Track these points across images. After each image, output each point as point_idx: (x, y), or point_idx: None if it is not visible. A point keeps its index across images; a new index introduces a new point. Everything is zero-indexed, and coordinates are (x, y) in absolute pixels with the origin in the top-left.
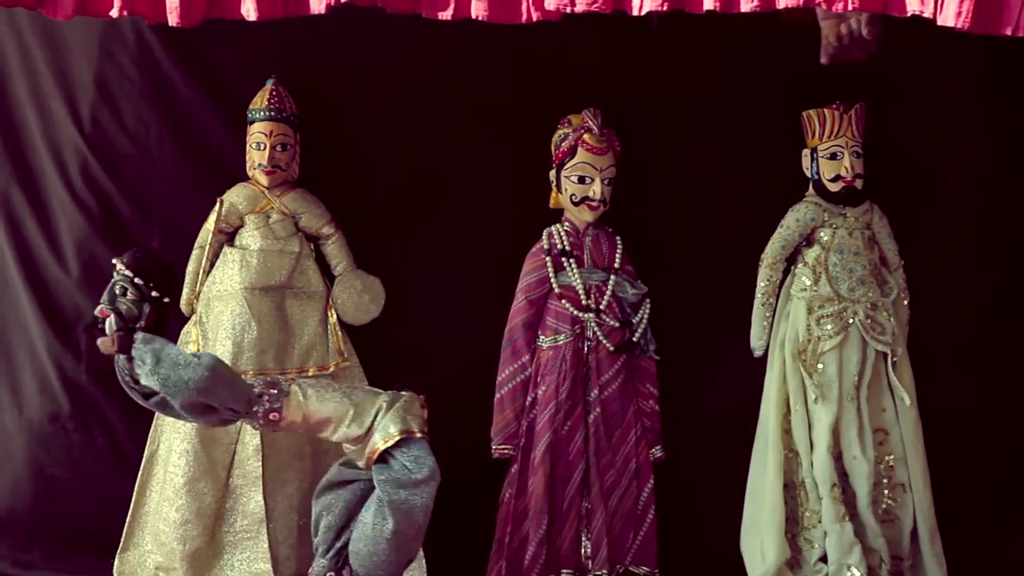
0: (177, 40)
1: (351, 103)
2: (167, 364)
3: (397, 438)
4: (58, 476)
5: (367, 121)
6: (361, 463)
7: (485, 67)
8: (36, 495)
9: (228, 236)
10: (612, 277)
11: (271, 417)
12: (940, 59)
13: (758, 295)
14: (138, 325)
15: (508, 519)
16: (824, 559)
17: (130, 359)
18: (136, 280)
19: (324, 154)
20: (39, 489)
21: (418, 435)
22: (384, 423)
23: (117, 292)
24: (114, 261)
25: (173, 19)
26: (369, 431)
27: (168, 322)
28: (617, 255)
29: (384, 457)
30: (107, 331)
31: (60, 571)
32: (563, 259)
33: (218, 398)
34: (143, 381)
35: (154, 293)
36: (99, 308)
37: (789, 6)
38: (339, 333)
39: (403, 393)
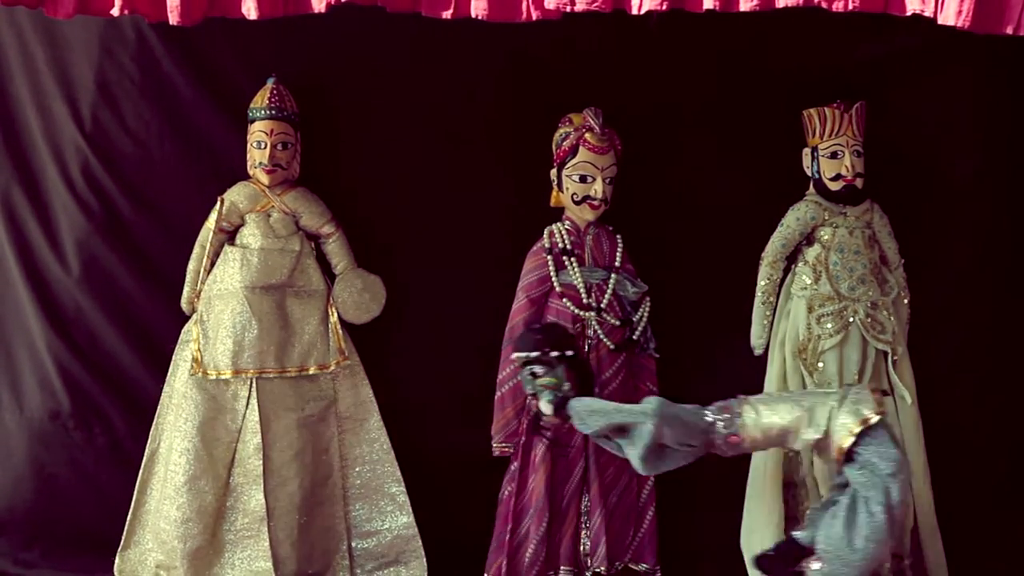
0: (178, 39)
1: (351, 102)
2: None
3: (858, 431)
4: (58, 474)
5: (368, 120)
6: (832, 467)
7: (485, 66)
8: (36, 493)
9: (229, 235)
10: (613, 276)
11: (731, 440)
12: (941, 58)
13: (758, 294)
14: (566, 388)
15: (508, 517)
16: None
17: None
18: (532, 358)
19: (325, 153)
20: (39, 487)
21: (874, 420)
22: (840, 421)
23: (530, 377)
24: (516, 356)
25: (174, 18)
26: (828, 432)
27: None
28: (618, 254)
29: (851, 455)
30: (545, 413)
31: (61, 569)
32: (564, 258)
33: (674, 437)
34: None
35: (554, 354)
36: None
37: (789, 5)
38: (340, 332)
39: (851, 386)
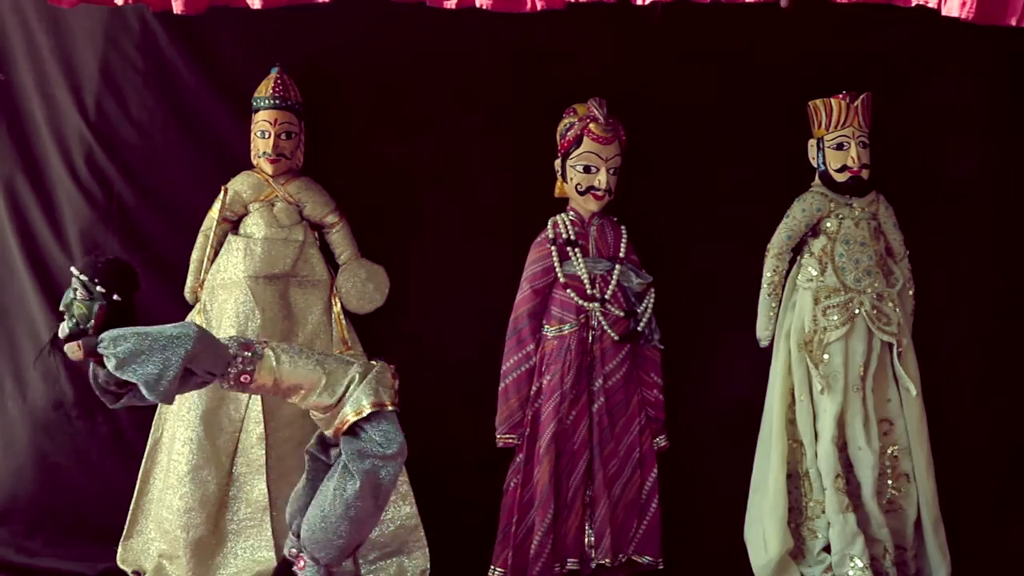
0: (181, 28)
1: (355, 91)
2: (156, 346)
3: (369, 411)
4: (61, 463)
5: (371, 110)
6: (329, 432)
7: (489, 56)
8: (39, 482)
9: (232, 224)
10: (617, 266)
11: (242, 380)
12: (947, 49)
13: (764, 285)
14: (88, 325)
15: (514, 508)
16: (828, 549)
17: (99, 361)
18: (83, 279)
19: (329, 142)
20: (42, 476)
21: (389, 408)
22: (356, 395)
23: (71, 294)
24: (72, 270)
25: (177, 7)
26: (340, 401)
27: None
28: (622, 244)
29: (353, 429)
30: (59, 335)
31: (63, 558)
32: (568, 248)
33: (203, 364)
34: (121, 375)
35: (100, 289)
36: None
37: None
38: (343, 322)
39: (374, 363)
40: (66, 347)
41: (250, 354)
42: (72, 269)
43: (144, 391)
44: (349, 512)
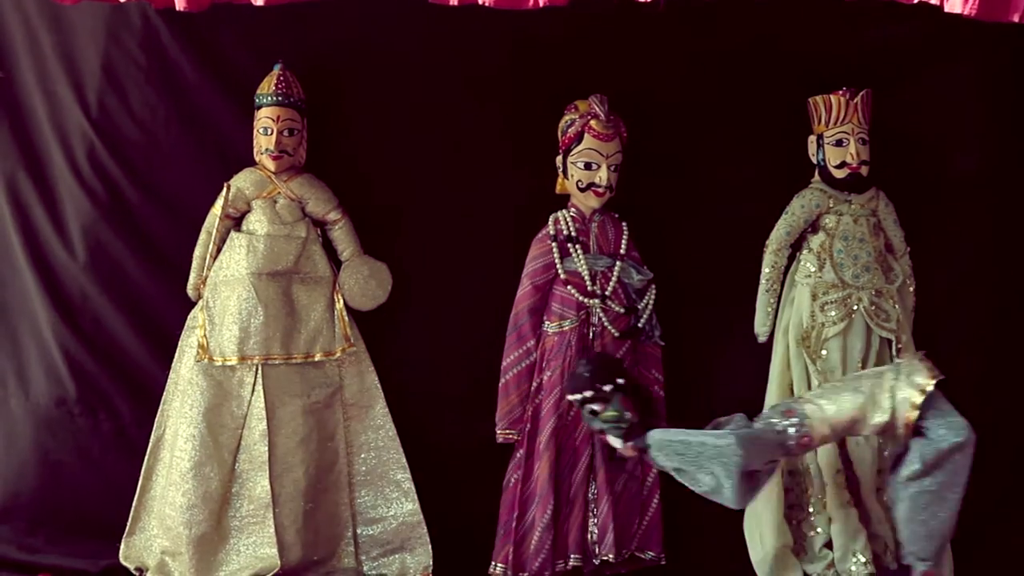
0: (184, 25)
1: (358, 88)
2: (699, 458)
3: (920, 401)
4: (64, 461)
5: (374, 106)
6: (899, 447)
7: (491, 53)
8: (42, 480)
9: (235, 221)
10: (618, 263)
11: (803, 443)
12: (948, 45)
13: (763, 281)
14: (628, 417)
15: (514, 504)
16: (829, 545)
17: (644, 449)
18: (587, 396)
19: (331, 139)
20: (45, 474)
21: (930, 388)
22: (902, 397)
23: (591, 416)
24: (571, 399)
25: (180, 3)
26: (893, 411)
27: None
28: (623, 241)
29: (919, 430)
30: (619, 449)
31: (66, 555)
32: (569, 245)
33: (760, 459)
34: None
35: (606, 388)
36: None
37: None
38: (346, 318)
39: (899, 360)
40: (620, 452)
41: (797, 419)
42: (569, 399)
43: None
44: (928, 506)
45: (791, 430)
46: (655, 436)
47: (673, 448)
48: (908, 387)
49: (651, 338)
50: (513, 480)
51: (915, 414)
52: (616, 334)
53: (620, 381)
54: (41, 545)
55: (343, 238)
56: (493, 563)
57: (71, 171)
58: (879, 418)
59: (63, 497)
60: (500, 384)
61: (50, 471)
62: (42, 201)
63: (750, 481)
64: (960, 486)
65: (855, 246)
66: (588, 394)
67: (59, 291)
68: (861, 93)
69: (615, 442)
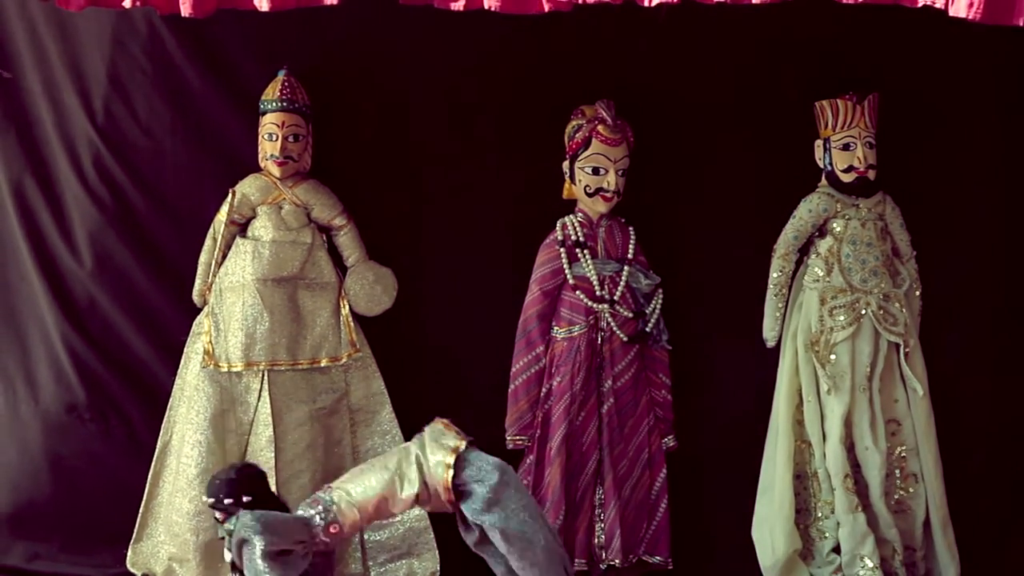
0: (189, 31)
1: (363, 94)
2: (241, 552)
3: (452, 461)
4: (76, 466)
5: (379, 112)
6: (450, 509)
7: (497, 58)
8: (55, 486)
9: (240, 227)
10: (626, 268)
11: (332, 531)
12: (954, 50)
13: (771, 286)
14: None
15: None
16: (837, 549)
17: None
18: (211, 503)
19: (336, 145)
20: (58, 480)
21: (462, 448)
22: (431, 465)
23: (216, 521)
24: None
25: (185, 10)
26: (424, 480)
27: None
28: (631, 246)
29: (459, 491)
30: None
31: (79, 564)
32: (577, 250)
33: (287, 541)
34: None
35: (227, 501)
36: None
37: None
38: (351, 324)
39: (425, 430)
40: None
41: (323, 507)
42: (204, 500)
43: None
44: (535, 555)
45: (317, 519)
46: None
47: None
48: (438, 450)
49: (659, 342)
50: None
51: (450, 475)
52: (624, 339)
53: (245, 499)
54: (55, 552)
55: (348, 244)
56: None
57: (77, 178)
58: (409, 491)
59: (77, 504)
60: (509, 390)
61: (62, 477)
62: (49, 208)
63: (283, 560)
64: (530, 513)
65: (863, 250)
66: (211, 501)
67: (67, 297)
68: (868, 97)
69: (226, 555)
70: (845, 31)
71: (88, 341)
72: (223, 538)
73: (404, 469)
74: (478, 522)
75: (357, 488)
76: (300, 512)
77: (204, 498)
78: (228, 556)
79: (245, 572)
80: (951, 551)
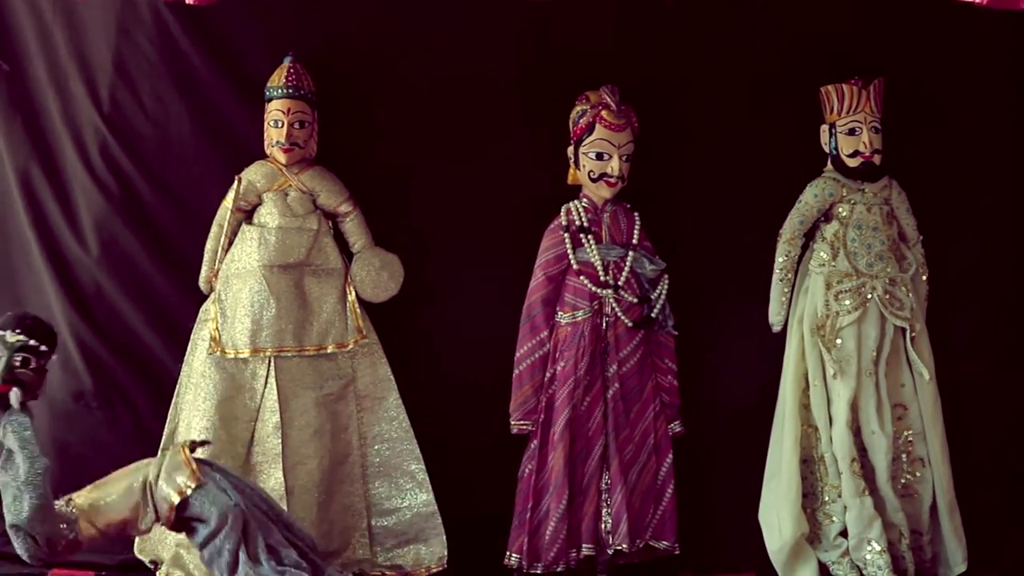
0: (194, 18)
1: (368, 80)
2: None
3: (177, 501)
4: (82, 453)
5: (384, 98)
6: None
7: (503, 44)
8: (61, 473)
9: (246, 214)
10: (630, 253)
11: (71, 543)
12: (961, 34)
13: (776, 271)
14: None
15: (528, 494)
16: (844, 534)
17: None
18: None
19: (342, 131)
20: (64, 467)
21: (190, 491)
22: (158, 497)
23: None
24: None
25: None
26: (156, 512)
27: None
28: (635, 231)
29: (188, 527)
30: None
31: (87, 550)
32: (581, 235)
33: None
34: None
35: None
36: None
37: None
38: (358, 311)
39: (166, 455)
40: None
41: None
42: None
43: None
44: None
45: (63, 527)
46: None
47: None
48: (168, 486)
49: (664, 328)
50: (527, 471)
51: (172, 513)
52: (629, 324)
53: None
54: None
55: (354, 230)
56: (508, 553)
57: (83, 166)
58: (148, 522)
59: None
60: (514, 375)
61: (69, 464)
62: (55, 196)
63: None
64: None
65: (869, 235)
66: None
67: (73, 285)
68: (873, 82)
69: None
70: (851, 16)
71: (94, 328)
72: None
73: (146, 496)
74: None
75: (98, 496)
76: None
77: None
78: None
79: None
80: (957, 535)
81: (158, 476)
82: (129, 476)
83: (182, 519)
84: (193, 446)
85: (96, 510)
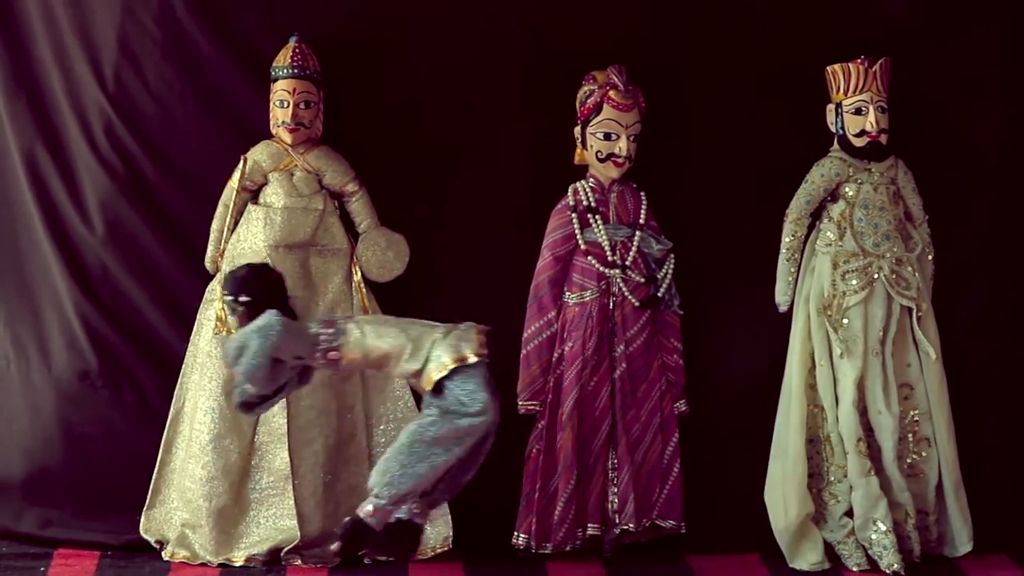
0: None
1: (374, 60)
2: (246, 342)
3: (451, 367)
4: (89, 433)
5: (390, 78)
6: (426, 393)
7: (510, 24)
8: (67, 453)
9: (252, 194)
10: (637, 233)
11: (330, 357)
12: (967, 12)
13: (783, 250)
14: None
15: (536, 474)
16: (850, 513)
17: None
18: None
19: (347, 111)
20: (70, 447)
21: (472, 360)
22: (437, 353)
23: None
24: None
25: None
26: (425, 363)
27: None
28: (642, 211)
29: (440, 387)
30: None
31: (92, 529)
32: (589, 215)
33: (289, 351)
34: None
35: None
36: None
37: None
38: (364, 290)
39: (461, 325)
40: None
41: (333, 331)
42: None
43: (250, 389)
44: (415, 446)
45: (322, 338)
46: (228, 343)
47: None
48: (449, 350)
49: (670, 307)
50: (535, 451)
51: (441, 375)
52: (636, 304)
53: (243, 299)
54: (67, 518)
55: (360, 210)
56: (516, 533)
57: (88, 146)
58: (410, 366)
59: (89, 470)
60: (521, 355)
61: (75, 444)
62: (60, 176)
63: (272, 371)
64: (451, 453)
65: (875, 214)
66: (229, 299)
67: (79, 265)
68: (880, 61)
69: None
70: None
71: (100, 308)
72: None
73: (419, 345)
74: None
75: (372, 333)
76: (312, 328)
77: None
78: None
79: (234, 370)
80: (963, 515)
81: (445, 336)
82: (413, 324)
83: (441, 385)
84: (484, 333)
85: (368, 342)
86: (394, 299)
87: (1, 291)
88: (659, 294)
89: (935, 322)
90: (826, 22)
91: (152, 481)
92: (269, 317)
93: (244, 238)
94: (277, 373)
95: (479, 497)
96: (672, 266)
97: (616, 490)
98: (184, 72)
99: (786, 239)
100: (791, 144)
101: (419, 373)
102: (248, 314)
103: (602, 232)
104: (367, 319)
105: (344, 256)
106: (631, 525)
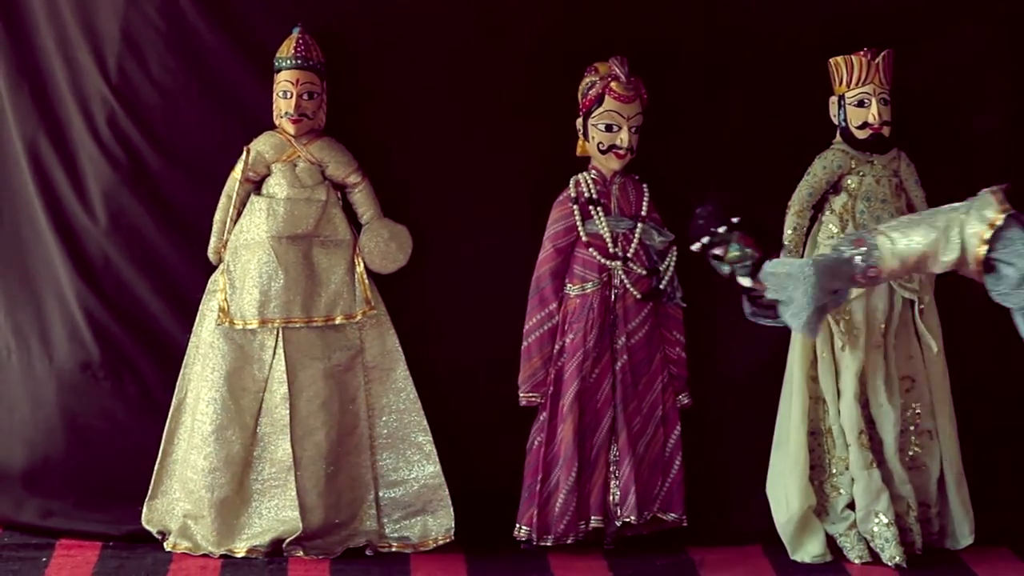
0: None
1: (378, 51)
2: (789, 286)
3: (988, 236)
4: (90, 424)
5: (394, 69)
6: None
7: (512, 15)
8: (68, 444)
9: (255, 185)
10: (639, 225)
11: (870, 274)
12: (969, 5)
13: (785, 243)
14: (749, 254)
15: (538, 467)
16: (851, 506)
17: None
18: (704, 242)
19: (351, 102)
20: (71, 438)
21: (999, 222)
22: (970, 232)
23: (717, 261)
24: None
25: None
26: (963, 248)
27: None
28: (644, 203)
29: (990, 265)
30: (746, 286)
31: (93, 520)
32: (590, 207)
33: (829, 289)
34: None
35: (721, 230)
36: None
37: None
38: (366, 282)
39: (974, 197)
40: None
41: (866, 248)
42: (693, 248)
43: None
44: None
45: (858, 259)
46: (765, 271)
47: (774, 280)
48: (977, 222)
49: (673, 299)
50: (536, 443)
51: (984, 249)
52: (638, 296)
53: (734, 220)
54: (69, 509)
55: (363, 201)
56: (518, 525)
57: (91, 136)
58: (948, 256)
59: (91, 461)
60: (522, 347)
61: (76, 435)
62: (63, 166)
63: (819, 316)
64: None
65: (878, 207)
66: (706, 240)
67: (81, 255)
68: (883, 53)
69: (745, 282)
70: None
71: (102, 299)
72: (730, 274)
73: (949, 232)
74: (1001, 301)
75: (902, 238)
76: (842, 248)
77: (695, 246)
78: (746, 282)
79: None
80: (965, 507)
81: (967, 212)
82: (934, 214)
83: (990, 262)
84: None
85: (901, 248)
86: (397, 290)
87: (3, 281)
88: (661, 286)
89: (937, 315)
90: (829, 13)
91: (154, 472)
92: (802, 267)
93: (247, 229)
94: (823, 313)
95: (480, 489)
96: (674, 258)
97: (618, 482)
98: (187, 62)
99: (788, 231)
100: (793, 136)
101: (961, 262)
102: (745, 237)
103: (604, 224)
104: (890, 225)
105: (347, 247)
106: (633, 518)
